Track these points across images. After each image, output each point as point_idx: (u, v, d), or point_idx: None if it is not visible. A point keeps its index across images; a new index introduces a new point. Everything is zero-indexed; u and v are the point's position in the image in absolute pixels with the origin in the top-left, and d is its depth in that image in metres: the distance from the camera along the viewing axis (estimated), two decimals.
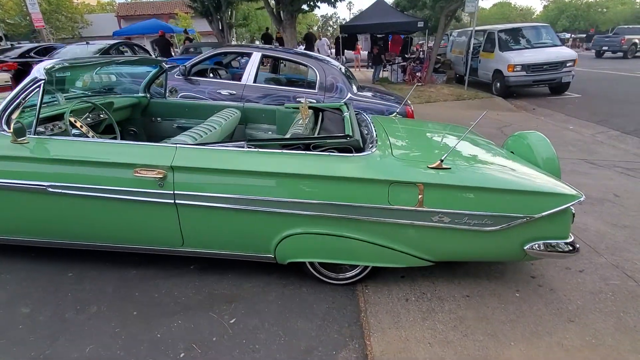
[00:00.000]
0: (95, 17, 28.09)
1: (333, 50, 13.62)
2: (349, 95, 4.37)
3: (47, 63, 1.96)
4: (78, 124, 2.26)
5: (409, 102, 4.96)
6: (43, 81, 1.89)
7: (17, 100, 1.90)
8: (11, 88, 6.53)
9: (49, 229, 1.99)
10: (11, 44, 10.26)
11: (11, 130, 1.79)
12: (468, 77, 10.46)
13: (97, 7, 34.86)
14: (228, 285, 2.10)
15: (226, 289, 2.07)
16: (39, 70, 1.90)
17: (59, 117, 2.30)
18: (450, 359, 1.65)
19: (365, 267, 2.07)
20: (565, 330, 1.82)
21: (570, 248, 1.87)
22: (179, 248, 2.03)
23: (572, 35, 34.43)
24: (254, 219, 1.88)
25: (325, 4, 9.10)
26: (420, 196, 1.77)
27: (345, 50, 13.53)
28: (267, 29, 14.67)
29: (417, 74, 11.00)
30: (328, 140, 1.91)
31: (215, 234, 1.95)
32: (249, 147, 1.88)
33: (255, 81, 4.39)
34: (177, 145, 1.88)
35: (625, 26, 21.72)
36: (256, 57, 4.43)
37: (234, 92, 4.36)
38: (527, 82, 8.86)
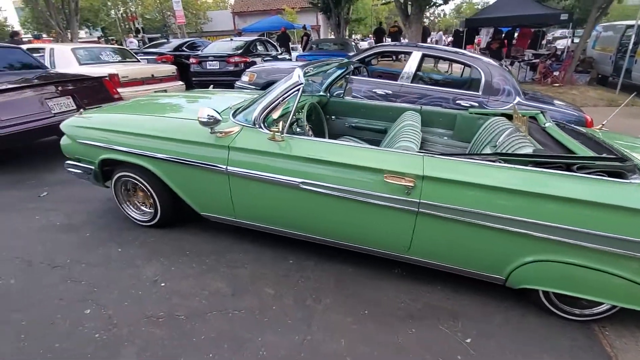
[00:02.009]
0: (214, 14, 31.16)
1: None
2: (518, 99, 4.00)
3: (302, 69, 2.13)
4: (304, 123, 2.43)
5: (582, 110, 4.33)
6: (302, 85, 2.06)
7: (276, 102, 2.10)
8: (175, 79, 7.58)
9: (291, 220, 2.18)
10: (166, 39, 11.93)
11: (279, 129, 1.98)
12: (619, 78, 8.84)
13: (212, 4, 38.63)
14: (442, 298, 2.07)
15: (442, 302, 2.04)
16: (299, 75, 2.08)
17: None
18: None
19: (613, 307, 1.83)
20: None
21: None
22: (401, 254, 2.05)
23: None
24: (498, 239, 1.79)
25: None
26: None
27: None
28: (380, 23, 14.50)
29: (553, 73, 9.71)
30: (597, 162, 1.71)
31: (448, 246, 1.92)
32: (500, 162, 1.79)
33: (412, 81, 4.30)
34: (425, 154, 1.88)
35: None
36: (416, 56, 4.32)
37: (390, 91, 4.34)
38: None
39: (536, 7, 10.13)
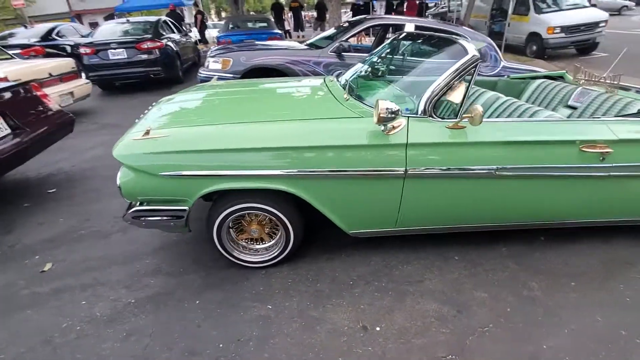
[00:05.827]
0: None
1: None
2: (503, 64, 4.45)
3: (474, 43, 1.88)
4: None
5: None
6: (480, 60, 1.81)
7: (449, 84, 1.80)
8: (78, 76, 5.78)
9: (477, 211, 1.96)
10: (24, 26, 8.82)
11: (473, 115, 1.69)
12: (495, 41, 10.72)
13: None
14: (611, 250, 2.17)
15: (616, 255, 2.14)
16: (474, 50, 1.82)
17: None
18: None
19: None
20: None
21: None
22: (581, 219, 2.11)
23: None
24: None
25: None
26: None
27: None
28: None
29: None
30: None
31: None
32: None
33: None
34: (607, 121, 1.93)
35: None
36: (409, 29, 4.31)
37: None
38: (566, 44, 9.29)
39: None
